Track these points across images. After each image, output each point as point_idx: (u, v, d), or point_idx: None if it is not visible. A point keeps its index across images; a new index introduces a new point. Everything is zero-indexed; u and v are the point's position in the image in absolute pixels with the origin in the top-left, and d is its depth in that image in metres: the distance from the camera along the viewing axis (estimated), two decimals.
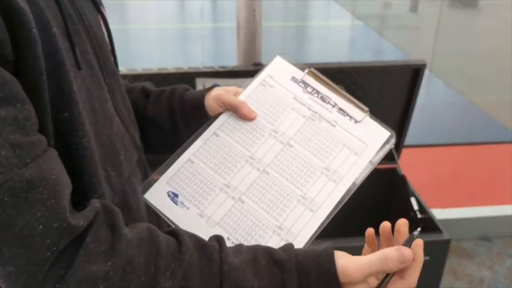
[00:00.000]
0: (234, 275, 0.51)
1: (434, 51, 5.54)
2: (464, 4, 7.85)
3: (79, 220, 0.47)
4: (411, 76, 1.76)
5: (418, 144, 3.06)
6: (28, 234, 0.43)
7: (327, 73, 1.70)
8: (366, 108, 0.75)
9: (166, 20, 7.57)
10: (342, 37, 7.24)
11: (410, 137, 1.96)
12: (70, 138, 0.53)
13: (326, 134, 0.75)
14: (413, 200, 1.79)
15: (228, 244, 0.58)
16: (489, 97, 4.50)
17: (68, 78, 0.52)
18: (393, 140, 0.74)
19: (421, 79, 1.75)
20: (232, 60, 1.82)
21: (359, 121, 0.75)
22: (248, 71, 1.66)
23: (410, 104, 1.83)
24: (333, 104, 0.76)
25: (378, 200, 2.05)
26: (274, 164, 0.73)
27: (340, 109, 0.76)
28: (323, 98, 0.77)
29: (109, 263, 0.47)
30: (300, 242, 0.67)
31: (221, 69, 1.64)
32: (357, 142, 0.74)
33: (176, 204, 0.70)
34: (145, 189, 0.71)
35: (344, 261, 0.53)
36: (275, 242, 0.67)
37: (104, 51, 0.64)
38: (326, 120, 0.75)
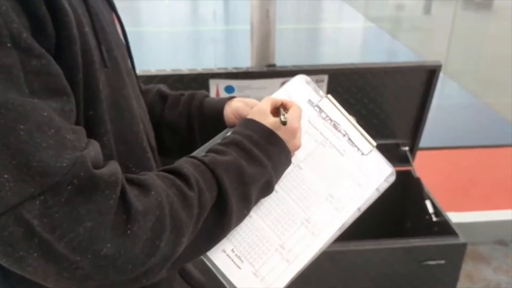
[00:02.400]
0: (215, 162, 0.62)
1: (448, 53, 5.49)
2: (478, 5, 7.78)
3: (118, 168, 0.52)
4: (426, 77, 1.74)
5: (433, 146, 3.03)
6: (96, 192, 0.47)
7: (343, 74, 1.71)
8: (374, 143, 0.79)
9: (179, 23, 7.60)
10: (354, 39, 7.21)
11: (425, 139, 1.94)
12: (93, 136, 0.54)
13: (334, 162, 0.77)
14: (428, 203, 1.77)
15: (232, 256, 0.69)
16: (504, 99, 4.45)
17: (96, 76, 0.54)
18: (393, 177, 0.79)
19: (436, 80, 1.73)
20: (245, 63, 1.82)
21: (366, 154, 0.78)
22: (261, 72, 1.65)
23: (425, 105, 1.81)
24: (343, 133, 0.79)
25: (392, 203, 2.02)
26: (283, 184, 0.74)
27: (350, 139, 0.79)
28: (335, 126, 0.79)
29: (153, 193, 0.53)
30: (299, 264, 0.70)
31: (234, 70, 1.64)
32: (361, 174, 0.77)
33: None
34: None
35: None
36: (275, 260, 0.70)
37: (120, 50, 0.64)
38: (335, 148, 0.78)
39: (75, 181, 0.45)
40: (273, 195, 0.73)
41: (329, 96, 0.81)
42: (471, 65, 5.48)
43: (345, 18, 8.39)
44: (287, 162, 0.71)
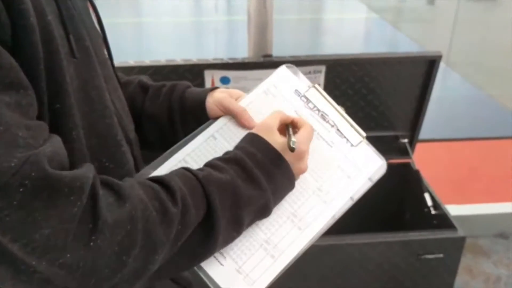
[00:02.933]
0: (209, 178, 0.59)
1: (451, 44, 5.44)
2: None
3: (88, 173, 0.48)
4: (426, 68, 1.71)
5: (434, 138, 3.00)
6: (56, 196, 0.44)
7: (341, 65, 1.68)
8: (363, 133, 0.77)
9: (180, 14, 7.55)
10: (357, 30, 7.15)
11: (426, 131, 1.91)
12: (61, 130, 0.51)
13: (323, 153, 0.75)
14: (427, 196, 1.75)
15: (218, 256, 0.66)
16: (507, 90, 4.40)
17: (62, 68, 0.51)
18: (383, 169, 0.75)
19: (436, 71, 1.70)
20: (245, 53, 1.79)
21: (355, 146, 0.76)
22: (257, 62, 1.63)
23: (425, 97, 1.78)
24: (332, 124, 0.77)
25: (391, 196, 2.01)
26: None
27: (338, 130, 0.76)
28: (323, 117, 0.77)
29: (127, 205, 0.50)
30: (285, 259, 0.67)
31: (230, 61, 1.61)
32: (351, 166, 0.75)
33: None
34: None
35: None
36: (260, 256, 0.67)
37: (94, 40, 0.61)
38: (324, 139, 0.76)
39: (27, 182, 0.42)
40: None
41: (317, 85, 0.78)
42: (474, 56, 5.43)
43: (348, 9, 8.31)
44: (290, 187, 0.68)
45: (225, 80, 1.65)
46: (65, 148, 0.51)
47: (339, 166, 0.74)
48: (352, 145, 0.76)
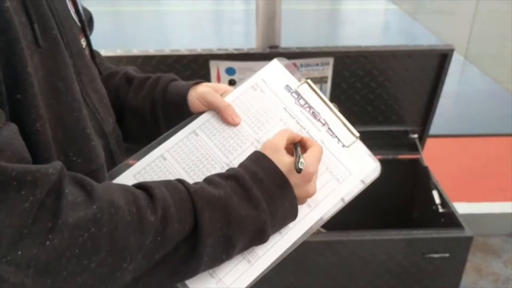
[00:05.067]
0: (201, 193, 0.57)
1: (470, 37, 5.31)
2: None
3: (48, 168, 0.46)
4: (438, 61, 1.67)
5: (445, 134, 2.94)
6: (3, 190, 0.42)
7: (349, 57, 1.64)
8: (357, 133, 0.72)
9: (197, 2, 7.52)
10: (375, 22, 7.04)
11: (440, 126, 1.85)
12: (23, 121, 0.49)
13: None
14: (435, 193, 1.71)
15: None
16: None
17: (22, 57, 0.48)
18: (377, 173, 0.71)
19: (448, 65, 1.65)
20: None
21: (347, 146, 0.72)
22: (262, 53, 1.60)
23: (437, 91, 1.73)
24: (323, 122, 0.73)
25: (399, 192, 1.97)
26: None
27: (330, 129, 0.72)
28: (314, 114, 0.73)
29: (94, 207, 0.48)
30: (262, 265, 0.64)
31: (235, 52, 1.58)
32: (341, 168, 0.70)
33: None
34: (112, 177, 0.66)
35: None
36: (235, 261, 0.63)
37: (67, 29, 0.59)
38: (313, 138, 0.71)
39: None
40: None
41: (309, 81, 0.74)
42: (494, 50, 5.29)
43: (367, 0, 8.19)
44: (292, 213, 0.63)
45: (230, 71, 1.63)
46: (30, 140, 0.50)
47: (327, 168, 0.70)
48: (343, 145, 0.71)
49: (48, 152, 0.52)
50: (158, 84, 0.76)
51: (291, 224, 0.65)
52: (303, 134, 0.71)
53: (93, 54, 0.68)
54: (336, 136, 0.72)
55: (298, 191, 0.62)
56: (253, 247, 0.63)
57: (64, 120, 0.55)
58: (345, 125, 0.73)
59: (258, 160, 0.63)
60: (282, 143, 0.65)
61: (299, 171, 0.60)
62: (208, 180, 0.61)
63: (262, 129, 0.71)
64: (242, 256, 0.63)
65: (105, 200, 0.49)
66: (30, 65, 0.49)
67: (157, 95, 0.74)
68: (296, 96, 0.74)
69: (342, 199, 0.69)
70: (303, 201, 0.65)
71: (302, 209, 0.66)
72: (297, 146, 0.66)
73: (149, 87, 0.76)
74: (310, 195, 0.65)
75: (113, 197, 0.50)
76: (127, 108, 0.76)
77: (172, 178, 0.62)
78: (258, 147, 0.69)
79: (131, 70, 0.81)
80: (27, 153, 0.48)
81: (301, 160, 0.61)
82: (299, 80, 0.75)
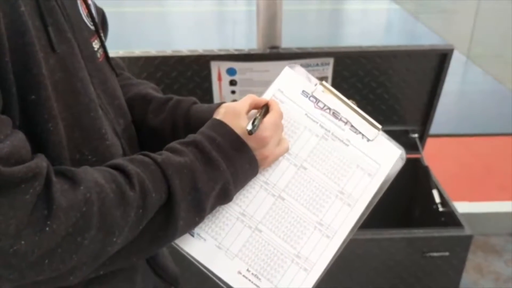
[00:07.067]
0: (168, 161, 0.59)
1: (472, 36, 5.31)
2: None
3: (42, 162, 0.49)
4: (438, 61, 1.67)
5: (446, 133, 2.94)
6: (8, 187, 0.44)
7: (349, 58, 1.65)
8: (379, 126, 0.74)
9: (200, 3, 7.54)
10: (377, 21, 7.04)
11: (441, 125, 1.86)
12: (36, 121, 0.51)
13: (340, 154, 0.73)
14: (435, 193, 1.71)
15: (249, 276, 0.67)
16: None
17: (37, 60, 0.50)
18: (404, 157, 0.74)
19: (448, 64, 1.66)
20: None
21: (372, 140, 0.73)
22: (263, 54, 1.61)
23: (437, 91, 1.74)
24: (345, 121, 0.74)
25: (400, 192, 1.97)
26: (289, 189, 0.70)
27: (352, 126, 0.74)
28: (335, 115, 0.74)
29: (81, 188, 0.50)
30: (318, 270, 0.68)
31: (236, 52, 1.60)
32: (370, 162, 0.72)
33: (193, 236, 0.68)
34: None
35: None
36: (293, 272, 0.67)
37: (78, 32, 0.60)
38: (339, 139, 0.73)
39: None
40: (280, 204, 0.69)
41: (324, 82, 0.74)
42: (496, 49, 5.29)
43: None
44: (252, 172, 0.67)
45: (231, 72, 1.64)
46: (41, 139, 0.52)
47: (358, 165, 0.72)
48: (368, 140, 0.73)
49: (57, 151, 0.54)
50: (179, 107, 0.77)
51: (337, 224, 0.69)
52: (328, 137, 0.72)
53: (108, 55, 0.69)
54: (360, 132, 0.73)
55: (255, 154, 0.66)
56: (306, 256, 0.68)
57: (82, 120, 0.57)
58: (366, 119, 0.74)
59: (215, 126, 0.66)
60: (244, 107, 0.68)
61: (250, 133, 0.63)
62: (170, 148, 0.63)
63: (290, 140, 0.72)
64: (298, 266, 0.68)
65: (89, 180, 0.51)
66: (45, 67, 0.51)
67: (179, 118, 0.76)
68: (314, 100, 0.74)
69: (368, 206, 0.72)
70: (263, 163, 0.68)
71: (343, 210, 0.70)
72: (261, 111, 0.68)
73: (170, 109, 0.77)
74: (266, 157, 0.67)
75: (94, 177, 0.52)
76: (145, 127, 0.78)
77: (217, 208, 0.67)
78: (289, 159, 0.71)
79: (152, 90, 0.82)
80: (29, 156, 0.49)
81: (254, 123, 0.63)
82: (310, 80, 0.75)
